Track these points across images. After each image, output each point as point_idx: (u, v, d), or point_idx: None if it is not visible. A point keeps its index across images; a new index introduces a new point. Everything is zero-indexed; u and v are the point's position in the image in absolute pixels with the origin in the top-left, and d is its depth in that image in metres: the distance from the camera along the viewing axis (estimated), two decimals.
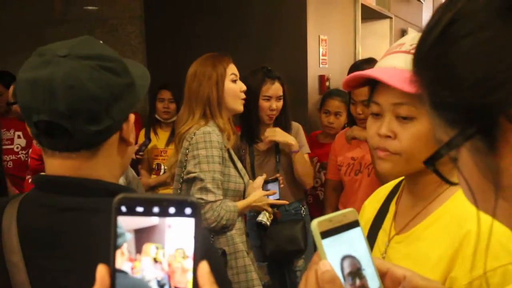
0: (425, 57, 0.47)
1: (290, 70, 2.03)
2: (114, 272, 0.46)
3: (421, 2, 6.05)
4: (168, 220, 0.45)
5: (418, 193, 0.96)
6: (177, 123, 2.06)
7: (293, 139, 2.43)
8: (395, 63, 0.92)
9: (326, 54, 3.62)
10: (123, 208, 0.45)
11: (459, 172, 0.48)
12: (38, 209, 0.84)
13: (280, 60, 2.33)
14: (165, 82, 3.30)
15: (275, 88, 2.45)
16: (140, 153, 3.13)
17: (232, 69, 2.03)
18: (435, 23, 0.45)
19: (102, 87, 0.80)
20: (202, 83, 1.95)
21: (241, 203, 1.95)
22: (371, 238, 1.04)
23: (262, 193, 2.05)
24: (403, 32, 5.84)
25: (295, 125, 2.69)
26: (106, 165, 0.86)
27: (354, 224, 0.58)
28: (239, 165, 2.02)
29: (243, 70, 3.16)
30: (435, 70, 0.45)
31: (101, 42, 0.90)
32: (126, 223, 0.46)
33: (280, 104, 2.47)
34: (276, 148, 2.52)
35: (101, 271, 0.46)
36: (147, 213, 0.45)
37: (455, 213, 0.87)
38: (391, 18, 5.19)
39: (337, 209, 2.10)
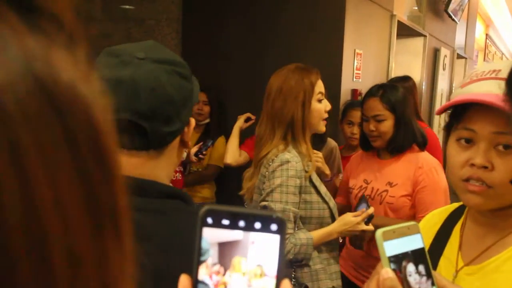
0: None
1: (324, 82, 2.03)
2: (196, 284, 0.46)
3: (456, 22, 5.99)
4: (252, 235, 0.45)
5: (495, 224, 0.91)
6: (256, 142, 1.91)
7: (327, 168, 2.22)
8: (493, 90, 0.85)
9: (360, 69, 3.61)
10: (209, 220, 0.45)
11: None
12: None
13: None
14: (199, 85, 3.32)
15: None
16: (201, 155, 3.13)
17: (319, 87, 1.85)
18: None
19: (177, 91, 0.84)
20: (287, 102, 1.78)
21: (319, 233, 1.79)
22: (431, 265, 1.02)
23: (349, 216, 1.86)
24: (436, 51, 5.79)
25: (330, 143, 2.63)
26: (166, 166, 0.89)
27: (417, 237, 0.60)
28: (323, 189, 1.85)
29: None
30: None
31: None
32: (211, 235, 0.46)
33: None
34: None
35: (184, 281, 0.46)
36: (233, 226, 0.45)
37: None
38: (425, 36, 5.15)
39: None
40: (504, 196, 0.85)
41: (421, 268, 0.60)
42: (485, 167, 0.85)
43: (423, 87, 5.24)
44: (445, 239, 1.01)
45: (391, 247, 0.57)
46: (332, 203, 1.87)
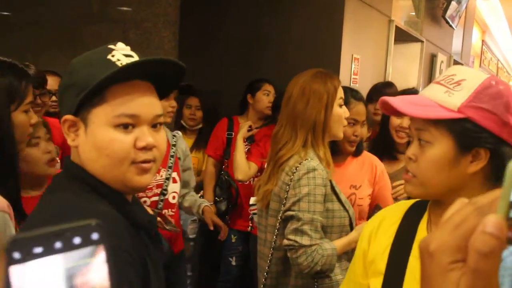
0: None
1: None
2: None
3: (453, 28, 6.00)
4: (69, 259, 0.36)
5: None
6: (273, 142, 1.84)
7: None
8: (424, 92, 1.01)
9: (358, 74, 3.60)
10: (16, 255, 0.35)
11: None
12: None
13: None
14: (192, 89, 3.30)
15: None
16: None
17: (340, 92, 1.81)
18: None
19: None
20: (310, 102, 1.73)
21: (340, 242, 1.74)
22: (397, 264, 1.02)
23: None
24: (433, 57, 5.79)
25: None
26: None
27: None
28: (343, 197, 1.81)
29: (275, 84, 3.18)
30: None
31: None
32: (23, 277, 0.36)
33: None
34: None
35: None
36: (48, 252, 0.36)
37: None
38: (422, 41, 5.16)
39: None
40: (424, 185, 0.98)
41: None
42: (411, 159, 1.00)
43: (420, 91, 5.23)
44: (410, 237, 1.03)
45: None
46: (351, 211, 1.82)
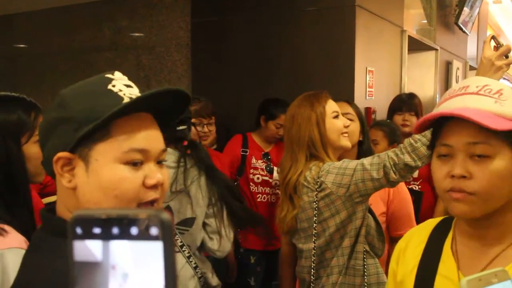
0: None
1: (337, 102, 2.01)
2: None
3: (467, 34, 5.93)
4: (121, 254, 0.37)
5: (487, 236, 0.94)
6: (280, 172, 1.93)
7: None
8: (466, 104, 0.93)
9: (373, 86, 3.57)
10: (79, 230, 0.38)
11: None
12: None
13: (328, 92, 2.29)
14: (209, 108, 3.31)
15: None
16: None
17: (332, 106, 1.88)
18: None
19: None
20: (302, 125, 1.82)
21: None
22: (424, 284, 1.00)
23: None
24: (448, 64, 5.73)
25: None
26: None
27: (506, 285, 0.55)
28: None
29: (289, 99, 3.15)
30: None
31: None
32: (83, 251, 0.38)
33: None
34: None
35: None
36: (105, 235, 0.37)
37: None
38: (436, 49, 5.11)
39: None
40: (487, 202, 0.91)
41: None
42: (464, 177, 0.91)
43: (437, 100, 5.17)
44: (436, 257, 1.02)
45: None
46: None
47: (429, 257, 1.03)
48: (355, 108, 2.17)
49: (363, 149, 2.10)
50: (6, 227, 1.22)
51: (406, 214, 2.11)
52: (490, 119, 0.88)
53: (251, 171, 3.13)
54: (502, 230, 0.94)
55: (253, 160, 3.14)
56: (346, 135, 1.87)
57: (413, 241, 1.10)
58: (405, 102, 3.13)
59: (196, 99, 2.86)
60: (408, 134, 2.70)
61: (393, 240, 2.14)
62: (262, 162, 3.13)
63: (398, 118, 3.08)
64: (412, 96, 3.26)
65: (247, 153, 3.15)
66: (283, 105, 3.06)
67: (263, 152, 3.15)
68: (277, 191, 3.04)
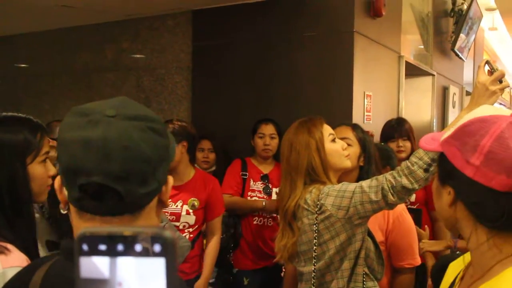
0: None
1: (334, 126, 2.03)
2: None
3: (463, 60, 6.02)
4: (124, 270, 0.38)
5: (474, 261, 0.95)
6: (279, 200, 1.92)
7: None
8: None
9: (371, 110, 3.61)
10: (85, 247, 0.39)
11: None
12: (62, 284, 0.78)
13: (327, 116, 2.32)
14: (205, 132, 3.35)
15: None
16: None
17: (327, 130, 1.88)
18: None
19: (152, 148, 0.76)
20: (301, 152, 1.80)
21: None
22: None
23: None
24: (445, 89, 5.79)
25: None
26: None
27: None
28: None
29: (287, 123, 3.18)
30: None
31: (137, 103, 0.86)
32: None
33: None
34: None
35: None
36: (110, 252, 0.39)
37: None
38: (433, 75, 5.17)
39: None
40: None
41: None
42: None
43: (434, 124, 5.21)
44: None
45: None
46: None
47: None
48: (359, 133, 2.13)
49: (362, 174, 2.07)
50: (9, 246, 1.23)
51: (407, 245, 2.08)
52: (432, 141, 0.98)
53: (249, 193, 3.14)
54: (485, 257, 0.91)
55: (251, 183, 3.15)
56: (346, 155, 1.87)
57: (449, 277, 1.09)
58: (396, 129, 3.13)
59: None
60: (405, 159, 2.70)
61: (396, 271, 2.11)
62: (260, 184, 3.14)
63: (392, 145, 3.09)
64: (401, 121, 3.23)
65: (247, 176, 3.16)
66: (264, 120, 3.19)
67: (261, 174, 3.16)
68: (274, 214, 3.04)
